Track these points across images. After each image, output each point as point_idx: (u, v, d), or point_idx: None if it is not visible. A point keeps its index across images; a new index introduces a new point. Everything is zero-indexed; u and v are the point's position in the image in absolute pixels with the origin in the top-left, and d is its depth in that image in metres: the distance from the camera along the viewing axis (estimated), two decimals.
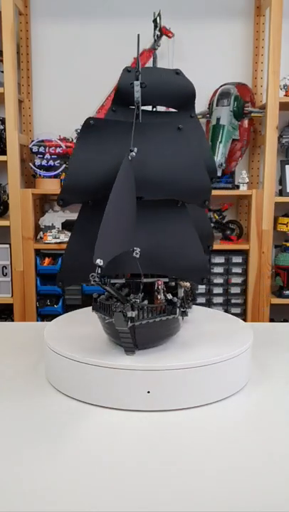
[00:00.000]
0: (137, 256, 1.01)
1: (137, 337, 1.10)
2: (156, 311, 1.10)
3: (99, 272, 0.89)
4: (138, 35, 1.16)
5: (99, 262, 0.89)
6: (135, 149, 1.01)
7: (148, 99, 1.23)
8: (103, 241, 0.91)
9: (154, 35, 1.25)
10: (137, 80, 1.09)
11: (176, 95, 1.21)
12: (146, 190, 1.05)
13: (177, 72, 1.21)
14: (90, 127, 1.05)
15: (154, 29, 1.24)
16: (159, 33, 1.25)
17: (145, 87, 1.09)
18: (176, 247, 1.10)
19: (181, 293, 1.19)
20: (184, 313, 1.22)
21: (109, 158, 1.02)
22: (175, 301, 1.11)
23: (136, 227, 1.03)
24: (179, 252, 1.11)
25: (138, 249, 1.01)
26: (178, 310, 1.13)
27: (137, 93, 1.08)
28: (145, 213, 1.08)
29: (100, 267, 0.89)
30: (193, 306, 1.40)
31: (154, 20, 1.23)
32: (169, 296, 1.12)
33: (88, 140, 1.05)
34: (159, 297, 1.12)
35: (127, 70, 1.20)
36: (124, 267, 1.07)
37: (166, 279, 1.15)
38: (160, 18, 1.24)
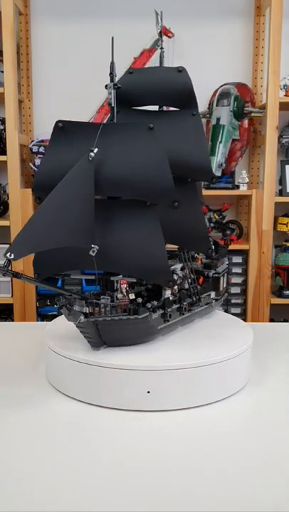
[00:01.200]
0: (93, 254, 1.02)
1: (101, 333, 1.10)
2: (117, 310, 1.09)
3: (6, 264, 0.93)
4: (112, 37, 1.20)
5: (8, 255, 0.91)
6: (95, 150, 1.02)
7: (147, 100, 1.24)
8: (22, 237, 0.94)
9: (160, 36, 1.27)
10: (112, 81, 1.12)
11: (174, 93, 1.21)
12: (108, 190, 1.06)
13: (179, 70, 1.21)
14: (60, 129, 1.09)
15: (159, 29, 1.26)
16: (159, 33, 1.26)
17: (119, 89, 1.13)
18: (135, 247, 1.09)
19: (165, 295, 1.20)
20: (164, 316, 1.19)
21: (76, 158, 1.03)
22: (139, 301, 1.10)
23: (97, 224, 1.04)
24: (139, 252, 1.10)
25: (96, 247, 1.02)
26: (146, 311, 1.10)
27: (110, 95, 1.12)
28: (110, 212, 1.09)
29: (9, 260, 0.91)
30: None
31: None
32: (132, 296, 1.10)
33: (58, 141, 1.09)
34: (119, 296, 1.11)
35: (128, 72, 1.23)
36: (80, 263, 1.08)
37: (134, 279, 1.13)
38: (161, 19, 1.25)
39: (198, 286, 1.32)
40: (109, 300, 1.10)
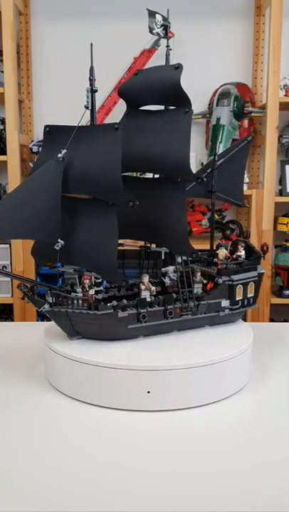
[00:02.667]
0: (57, 248, 1.09)
1: (72, 324, 1.19)
2: (83, 304, 1.16)
3: None
4: (91, 44, 1.23)
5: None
6: (63, 151, 1.09)
7: (144, 100, 1.25)
8: None
9: (165, 33, 1.28)
10: (91, 85, 1.20)
11: (165, 91, 1.22)
12: (72, 188, 1.12)
13: (176, 67, 1.23)
14: (47, 133, 1.16)
15: (166, 29, 1.28)
16: (161, 33, 1.27)
17: (96, 92, 1.21)
18: (93, 244, 1.14)
19: (143, 295, 1.23)
20: (139, 316, 1.19)
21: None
22: (99, 298, 1.18)
23: (65, 221, 1.11)
24: (95, 249, 1.15)
25: (61, 242, 1.09)
26: (108, 308, 1.15)
27: (88, 98, 1.21)
28: (76, 209, 1.16)
29: None
30: None
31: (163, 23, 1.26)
32: (91, 292, 1.16)
33: (46, 145, 1.16)
34: (78, 291, 1.18)
35: (135, 74, 1.25)
36: (48, 257, 1.14)
37: (97, 275, 1.19)
38: (168, 17, 1.26)
39: (199, 292, 1.29)
40: (80, 294, 1.17)
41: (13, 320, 2.95)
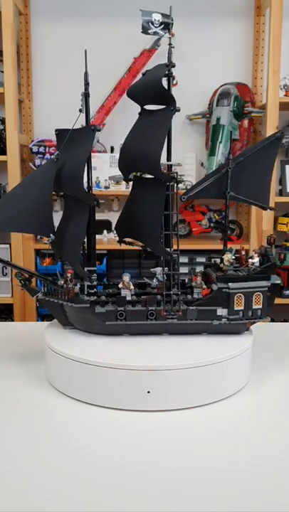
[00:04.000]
0: (47, 243, 1.19)
1: (66, 314, 1.25)
2: (65, 296, 1.23)
3: None
4: (85, 50, 1.27)
5: None
6: (56, 152, 1.20)
7: (143, 100, 1.27)
8: None
9: (168, 30, 1.28)
10: (86, 90, 1.29)
11: (152, 91, 1.23)
12: (59, 187, 1.23)
13: (167, 65, 1.24)
14: (57, 136, 1.27)
15: (168, 27, 1.28)
16: (159, 32, 1.27)
17: (88, 96, 1.30)
18: (67, 238, 1.24)
19: (123, 293, 1.25)
20: (117, 314, 1.20)
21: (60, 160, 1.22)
22: (76, 291, 1.23)
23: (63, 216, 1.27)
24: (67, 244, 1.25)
25: (52, 237, 1.19)
26: (84, 302, 1.21)
27: (82, 102, 1.30)
28: (66, 206, 1.29)
29: None
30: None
31: (167, 24, 1.26)
32: (69, 285, 1.23)
33: (57, 146, 1.26)
34: (60, 283, 1.26)
35: (142, 74, 1.27)
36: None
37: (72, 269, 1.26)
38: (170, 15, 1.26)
39: (188, 296, 1.25)
40: (70, 285, 1.24)
41: (13, 320, 2.96)
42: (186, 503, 0.79)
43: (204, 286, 1.27)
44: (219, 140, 2.82)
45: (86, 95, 1.30)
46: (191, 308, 1.21)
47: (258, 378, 1.24)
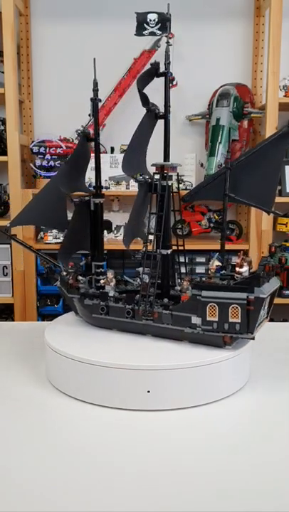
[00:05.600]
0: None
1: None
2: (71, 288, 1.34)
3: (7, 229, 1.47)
4: (94, 58, 1.30)
5: (8, 224, 1.45)
6: (68, 157, 1.34)
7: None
8: (16, 215, 1.47)
9: (168, 28, 1.29)
10: (96, 96, 1.35)
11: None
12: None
13: (151, 64, 1.30)
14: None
15: (166, 24, 1.29)
16: (156, 32, 1.28)
17: (100, 101, 1.40)
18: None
19: (107, 289, 1.29)
20: (99, 308, 1.26)
21: None
22: (70, 282, 1.33)
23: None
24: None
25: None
26: (76, 293, 1.31)
27: (90, 107, 1.38)
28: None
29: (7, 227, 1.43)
30: None
31: (164, 24, 1.27)
32: (76, 278, 1.34)
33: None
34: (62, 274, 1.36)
35: (150, 64, 1.33)
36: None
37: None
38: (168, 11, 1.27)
39: (165, 300, 1.23)
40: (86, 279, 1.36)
41: (13, 320, 2.96)
42: (186, 503, 0.80)
43: (188, 291, 1.20)
44: (219, 141, 2.82)
45: (95, 101, 1.37)
46: (165, 312, 1.19)
47: (257, 378, 1.24)
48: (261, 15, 3.06)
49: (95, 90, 1.37)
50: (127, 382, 1.07)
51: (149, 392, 1.07)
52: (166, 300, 1.23)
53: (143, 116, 1.24)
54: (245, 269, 1.15)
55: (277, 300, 3.21)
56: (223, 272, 1.18)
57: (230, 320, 1.11)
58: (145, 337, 1.22)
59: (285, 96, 2.88)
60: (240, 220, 3.19)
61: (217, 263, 1.20)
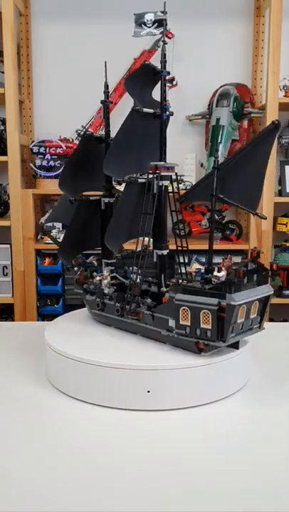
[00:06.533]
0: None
1: None
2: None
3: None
4: (105, 62, 1.28)
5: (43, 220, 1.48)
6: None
7: None
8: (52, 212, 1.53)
9: (162, 38, 1.28)
10: (106, 98, 1.32)
11: None
12: None
13: (145, 65, 1.30)
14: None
15: (163, 23, 1.28)
16: (153, 31, 1.28)
17: (110, 104, 1.37)
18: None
19: (103, 285, 1.32)
20: (95, 304, 1.30)
21: None
22: (76, 277, 1.40)
23: None
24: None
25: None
26: (80, 289, 1.38)
27: (102, 110, 1.30)
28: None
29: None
30: None
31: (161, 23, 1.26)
32: (83, 273, 1.39)
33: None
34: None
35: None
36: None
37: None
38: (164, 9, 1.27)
39: (147, 300, 1.21)
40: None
41: (13, 320, 2.96)
42: (186, 503, 0.80)
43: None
44: (219, 140, 2.82)
45: (105, 103, 1.36)
46: (146, 312, 1.19)
47: (257, 378, 1.24)
48: (261, 15, 3.07)
49: (106, 92, 1.38)
50: (127, 382, 1.07)
51: (149, 392, 1.07)
52: (149, 300, 1.21)
53: (128, 115, 1.23)
54: (222, 274, 1.10)
55: (277, 300, 3.23)
56: (209, 275, 1.13)
57: (202, 326, 1.07)
58: (145, 337, 1.22)
59: (285, 96, 2.88)
60: (240, 220, 3.19)
61: (197, 266, 1.17)
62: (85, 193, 1.39)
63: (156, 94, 1.31)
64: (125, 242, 1.28)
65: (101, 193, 1.37)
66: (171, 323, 1.13)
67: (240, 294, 1.04)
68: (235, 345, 1.11)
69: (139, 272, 1.21)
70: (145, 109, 1.24)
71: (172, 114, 1.30)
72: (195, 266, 1.17)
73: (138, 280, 1.21)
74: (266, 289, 1.11)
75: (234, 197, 1.17)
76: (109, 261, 1.39)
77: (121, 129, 1.23)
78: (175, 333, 1.12)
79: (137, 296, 1.20)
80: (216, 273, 1.09)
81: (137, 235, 1.21)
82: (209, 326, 1.05)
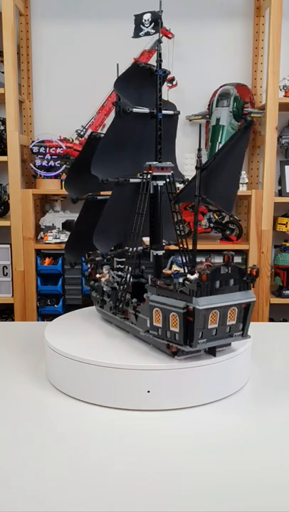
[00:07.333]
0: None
1: None
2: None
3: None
4: (117, 64, 1.25)
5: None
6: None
7: None
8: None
9: (158, 38, 1.27)
10: (119, 99, 1.21)
11: None
12: None
13: (138, 65, 1.27)
14: None
15: (158, 21, 1.26)
16: (151, 31, 1.26)
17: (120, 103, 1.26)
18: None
19: (101, 284, 1.33)
20: (96, 301, 1.35)
21: None
22: (86, 274, 1.43)
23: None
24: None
25: None
26: (88, 285, 1.41)
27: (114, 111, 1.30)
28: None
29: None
30: None
31: (156, 23, 1.25)
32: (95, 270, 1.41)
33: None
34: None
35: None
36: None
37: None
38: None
39: (132, 300, 1.20)
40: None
41: (13, 320, 2.96)
42: (186, 503, 0.80)
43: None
44: (219, 140, 2.82)
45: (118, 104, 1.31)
46: (131, 311, 1.19)
47: (257, 378, 1.24)
48: (261, 15, 3.07)
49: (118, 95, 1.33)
50: (127, 382, 1.07)
51: (149, 392, 1.07)
52: (134, 300, 1.20)
53: (115, 116, 1.22)
54: (194, 277, 1.04)
55: (276, 300, 3.23)
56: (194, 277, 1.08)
57: (171, 328, 1.05)
58: (134, 336, 1.23)
59: (285, 96, 2.88)
60: (240, 220, 3.19)
61: (175, 267, 1.14)
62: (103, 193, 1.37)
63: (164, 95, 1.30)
64: (117, 244, 1.28)
65: (110, 192, 1.36)
66: (148, 323, 1.13)
67: (208, 299, 1.01)
68: (212, 352, 1.09)
69: (130, 270, 1.22)
70: (135, 109, 1.22)
71: (179, 113, 1.29)
72: (174, 268, 1.16)
73: (129, 279, 1.22)
74: (246, 296, 1.07)
75: (215, 197, 1.15)
76: (120, 259, 1.35)
77: (108, 130, 1.22)
78: (150, 334, 1.12)
79: (125, 295, 1.21)
80: (188, 275, 1.05)
81: (129, 237, 1.20)
82: (177, 329, 1.04)
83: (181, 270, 1.15)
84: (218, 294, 1.03)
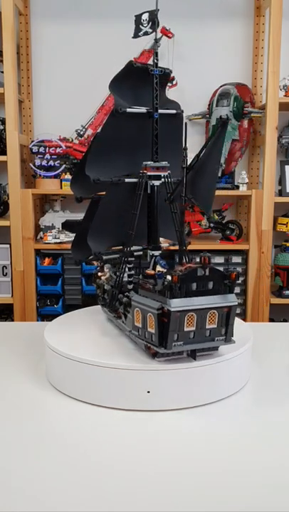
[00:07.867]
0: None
1: None
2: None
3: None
4: (128, 62, 1.23)
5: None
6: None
7: None
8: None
9: (155, 37, 1.26)
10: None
11: None
12: None
13: (133, 64, 1.26)
14: None
15: (154, 20, 1.25)
16: (148, 30, 1.26)
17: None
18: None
19: (102, 282, 1.34)
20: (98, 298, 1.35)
21: None
22: (93, 272, 1.44)
23: None
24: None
25: None
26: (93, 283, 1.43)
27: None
28: None
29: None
30: None
31: (154, 22, 1.24)
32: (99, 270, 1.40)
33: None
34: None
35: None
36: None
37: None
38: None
39: (123, 299, 1.19)
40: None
41: (13, 320, 2.96)
42: (186, 504, 0.80)
43: None
44: None
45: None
46: (121, 310, 1.19)
47: (258, 378, 1.24)
48: (261, 15, 3.07)
49: None
50: (127, 383, 1.06)
51: (149, 392, 1.06)
52: (124, 299, 1.18)
53: (108, 116, 1.21)
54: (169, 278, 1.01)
55: (276, 300, 3.23)
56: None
57: (148, 329, 1.03)
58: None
59: (285, 96, 2.88)
60: (240, 220, 3.19)
61: (159, 268, 1.14)
62: None
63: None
64: (113, 245, 1.26)
65: None
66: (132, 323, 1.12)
67: (183, 300, 0.98)
68: (193, 355, 1.07)
69: (119, 271, 1.22)
70: (130, 109, 1.21)
71: (183, 112, 1.29)
72: (157, 268, 1.15)
73: (121, 279, 1.21)
74: (226, 299, 1.03)
75: (198, 197, 1.14)
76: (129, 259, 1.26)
77: (101, 129, 1.22)
78: (132, 334, 1.12)
79: (117, 294, 1.21)
80: (168, 276, 1.01)
81: (125, 238, 1.20)
82: (153, 330, 1.02)
83: (165, 271, 1.14)
84: (195, 296, 1.00)
